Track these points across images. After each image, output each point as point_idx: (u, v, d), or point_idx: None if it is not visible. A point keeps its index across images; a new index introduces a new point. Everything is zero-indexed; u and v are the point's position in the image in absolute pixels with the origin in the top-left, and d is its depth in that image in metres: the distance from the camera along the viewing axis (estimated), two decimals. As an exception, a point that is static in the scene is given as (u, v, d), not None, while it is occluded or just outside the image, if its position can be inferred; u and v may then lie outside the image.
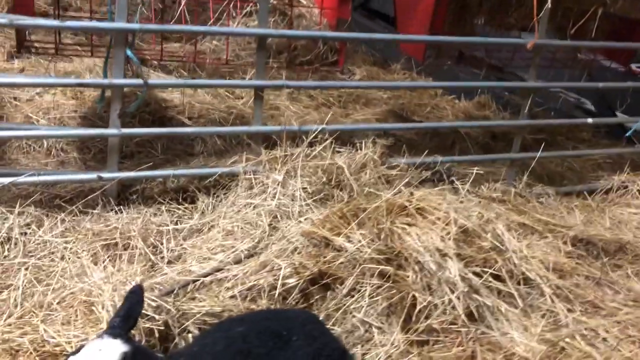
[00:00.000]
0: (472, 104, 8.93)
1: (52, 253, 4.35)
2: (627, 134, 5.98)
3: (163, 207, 4.85)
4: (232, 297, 3.86)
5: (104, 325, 3.52)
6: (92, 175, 4.65)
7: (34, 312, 3.75)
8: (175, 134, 5.53)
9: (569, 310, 4.34)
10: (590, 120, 6.29)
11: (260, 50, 4.80)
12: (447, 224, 4.30)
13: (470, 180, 5.38)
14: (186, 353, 2.98)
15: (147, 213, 4.74)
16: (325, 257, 4.09)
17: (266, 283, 3.93)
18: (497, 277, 4.23)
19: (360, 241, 4.16)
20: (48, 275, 4.10)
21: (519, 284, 4.31)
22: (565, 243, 5.16)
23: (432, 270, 4.03)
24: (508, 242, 4.42)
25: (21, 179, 4.43)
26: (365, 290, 4.01)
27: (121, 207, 4.80)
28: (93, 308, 3.65)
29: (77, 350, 2.54)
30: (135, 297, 2.83)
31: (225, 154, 5.61)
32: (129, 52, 4.33)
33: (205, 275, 4.02)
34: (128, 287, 3.73)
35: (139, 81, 4.46)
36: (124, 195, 4.99)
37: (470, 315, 3.96)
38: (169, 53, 7.43)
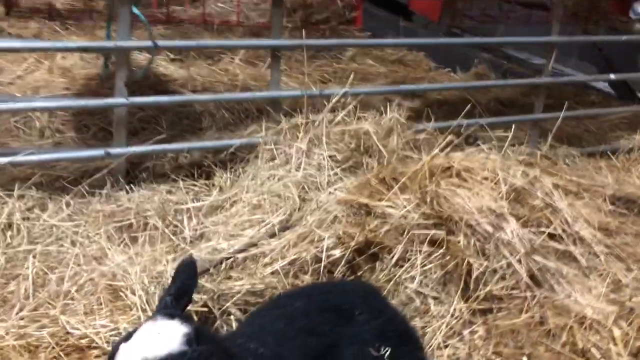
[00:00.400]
0: (469, 76, 8.62)
1: (61, 239, 3.89)
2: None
3: (178, 185, 4.41)
4: (272, 273, 3.46)
5: (137, 312, 3.11)
6: (99, 152, 4.19)
7: (49, 304, 3.32)
8: (190, 101, 5.02)
9: (627, 270, 4.06)
10: (612, 76, 6.01)
11: (276, 7, 4.38)
12: (495, 183, 3.97)
13: (496, 144, 5.05)
14: (246, 334, 2.58)
15: (162, 191, 4.30)
16: (369, 225, 3.71)
17: (309, 256, 3.54)
18: (552, 237, 3.92)
19: (405, 206, 3.79)
20: (60, 262, 3.64)
21: (574, 243, 4.00)
22: (605, 201, 4.89)
23: (488, 232, 3.69)
24: (559, 201, 4.11)
25: (20, 157, 3.95)
26: (416, 258, 3.65)
27: (131, 185, 4.35)
28: (120, 294, 3.22)
29: (128, 337, 2.13)
30: (187, 271, 2.42)
31: (236, 127, 5.18)
32: (135, 10, 3.87)
33: (239, 252, 3.61)
34: (158, 268, 3.33)
35: (148, 43, 3.99)
36: (133, 173, 4.55)
37: (531, 279, 3.64)
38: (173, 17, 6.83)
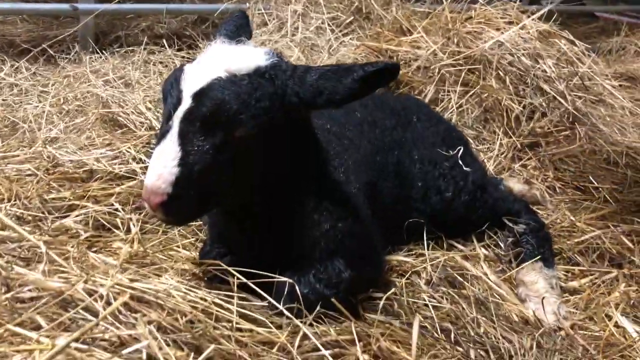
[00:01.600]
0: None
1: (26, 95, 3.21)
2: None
3: (158, 54, 3.78)
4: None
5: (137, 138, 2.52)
6: (64, 6, 3.50)
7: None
8: None
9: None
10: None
11: None
12: (522, 28, 3.64)
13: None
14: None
15: (141, 56, 3.66)
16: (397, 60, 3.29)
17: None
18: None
19: (432, 44, 3.39)
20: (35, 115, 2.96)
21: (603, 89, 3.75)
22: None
23: (527, 65, 3.35)
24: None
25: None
26: (451, 98, 3.25)
27: (103, 52, 3.70)
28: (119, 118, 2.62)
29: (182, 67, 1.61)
30: (240, 20, 1.91)
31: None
32: None
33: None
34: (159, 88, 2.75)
35: None
36: (103, 44, 3.88)
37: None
38: None
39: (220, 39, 1.72)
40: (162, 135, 1.50)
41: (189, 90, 1.50)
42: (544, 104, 3.34)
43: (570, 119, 3.30)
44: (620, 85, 4.17)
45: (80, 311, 1.38)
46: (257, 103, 1.51)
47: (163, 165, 1.46)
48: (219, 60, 1.57)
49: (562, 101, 3.32)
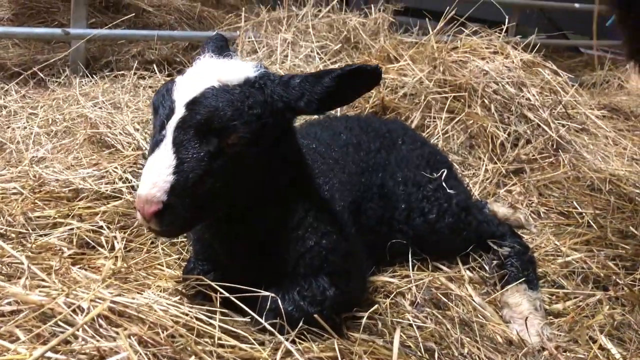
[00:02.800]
0: None
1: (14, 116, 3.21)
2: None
3: (148, 79, 3.82)
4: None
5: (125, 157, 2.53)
6: (57, 31, 3.55)
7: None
8: None
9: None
10: (577, 5, 6.04)
11: None
12: (506, 57, 3.72)
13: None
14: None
15: (131, 80, 3.70)
16: (384, 88, 3.34)
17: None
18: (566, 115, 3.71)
19: (418, 72, 3.45)
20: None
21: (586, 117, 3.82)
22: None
23: (511, 93, 3.42)
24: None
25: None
26: (437, 124, 3.30)
27: (94, 76, 3.73)
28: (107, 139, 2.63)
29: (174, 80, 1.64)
30: (219, 42, 1.94)
31: (209, 22, 4.65)
32: None
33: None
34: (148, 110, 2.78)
35: None
36: (94, 68, 3.91)
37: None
38: None
39: (207, 54, 1.75)
40: (154, 145, 1.51)
41: (182, 100, 1.53)
42: (528, 131, 3.40)
43: (555, 146, 3.36)
44: (603, 116, 4.25)
45: (61, 323, 1.37)
46: (249, 110, 1.54)
47: (157, 174, 1.46)
48: (210, 72, 1.60)
49: (546, 129, 3.37)
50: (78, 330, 1.29)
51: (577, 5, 6.39)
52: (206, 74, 1.58)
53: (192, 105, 1.51)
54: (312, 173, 1.86)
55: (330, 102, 1.62)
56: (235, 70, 1.61)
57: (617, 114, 4.90)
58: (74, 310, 1.37)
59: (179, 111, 1.51)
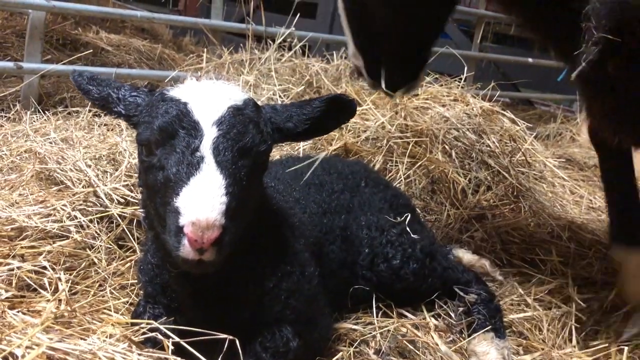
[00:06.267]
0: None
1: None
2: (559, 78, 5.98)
3: (103, 116, 3.69)
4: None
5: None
6: (8, 64, 3.42)
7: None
8: (120, 15, 4.20)
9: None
10: (531, 60, 6.25)
11: None
12: (467, 105, 3.77)
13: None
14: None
15: (86, 117, 3.56)
16: (346, 131, 3.32)
17: (285, 158, 3.03)
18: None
19: (381, 117, 3.44)
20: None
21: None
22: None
23: (472, 140, 3.44)
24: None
25: None
26: (399, 168, 3.28)
27: (46, 112, 3.58)
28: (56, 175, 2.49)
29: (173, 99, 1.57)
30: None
31: (169, 63, 4.58)
32: None
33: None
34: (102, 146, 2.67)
35: None
36: (47, 104, 3.77)
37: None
38: None
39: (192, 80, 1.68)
40: (190, 166, 1.42)
41: (208, 120, 1.49)
42: (489, 177, 3.41)
43: (515, 193, 3.37)
44: (560, 166, 4.32)
45: (-11, 373, 1.22)
46: (264, 127, 1.58)
47: (212, 196, 1.37)
48: (216, 92, 1.58)
49: (507, 175, 3.39)
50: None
51: (530, 60, 6.61)
52: (216, 94, 1.57)
53: (221, 125, 1.48)
54: (272, 209, 1.78)
55: (314, 128, 1.68)
56: (233, 90, 1.62)
57: (572, 165, 5.01)
58: (5, 357, 1.22)
59: (210, 131, 1.47)
